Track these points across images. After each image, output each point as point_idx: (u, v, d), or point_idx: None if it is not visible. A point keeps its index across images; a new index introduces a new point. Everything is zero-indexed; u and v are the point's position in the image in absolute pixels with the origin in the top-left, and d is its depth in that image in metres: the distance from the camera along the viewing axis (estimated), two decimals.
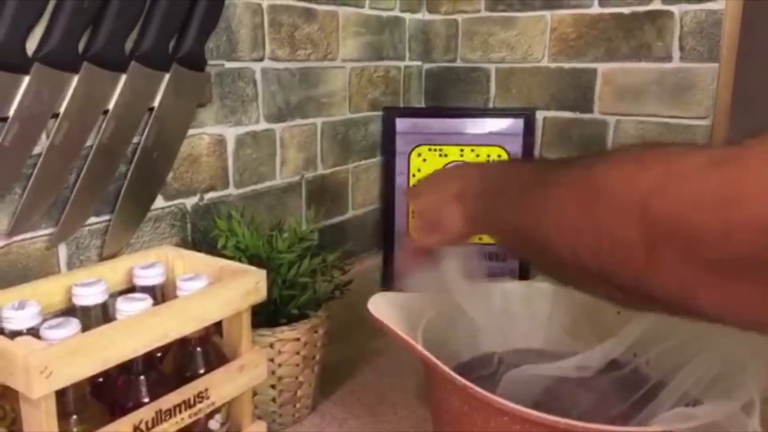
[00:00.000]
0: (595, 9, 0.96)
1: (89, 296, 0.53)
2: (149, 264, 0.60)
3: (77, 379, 0.46)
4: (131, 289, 0.60)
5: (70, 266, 0.63)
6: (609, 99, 0.97)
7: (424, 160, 1.05)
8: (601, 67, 0.97)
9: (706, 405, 0.45)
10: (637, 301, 0.37)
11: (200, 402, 0.55)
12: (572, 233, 0.38)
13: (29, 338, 0.46)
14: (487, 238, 0.58)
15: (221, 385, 0.57)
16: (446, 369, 0.49)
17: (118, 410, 0.51)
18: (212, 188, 0.77)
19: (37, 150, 0.58)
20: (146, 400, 0.52)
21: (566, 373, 0.53)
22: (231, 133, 0.79)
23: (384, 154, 1.06)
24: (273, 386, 0.69)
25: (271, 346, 0.67)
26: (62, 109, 0.58)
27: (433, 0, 1.10)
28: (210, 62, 0.72)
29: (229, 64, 0.77)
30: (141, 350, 0.50)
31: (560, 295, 0.64)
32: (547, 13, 1.00)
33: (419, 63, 1.12)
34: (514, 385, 0.51)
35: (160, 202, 0.71)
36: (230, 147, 0.79)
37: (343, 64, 0.95)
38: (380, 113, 1.04)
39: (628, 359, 0.54)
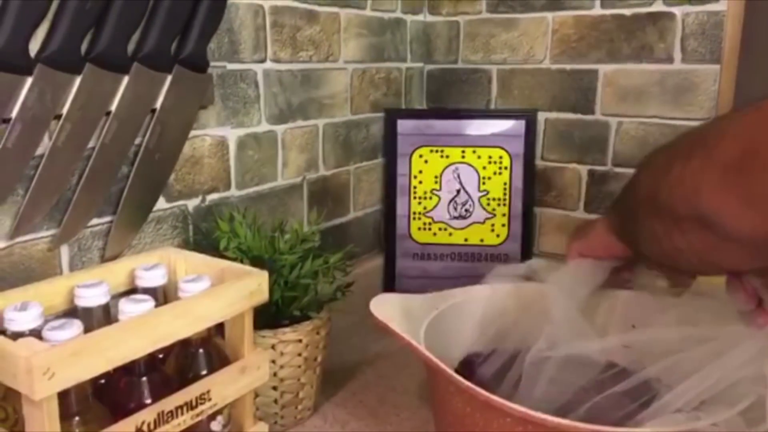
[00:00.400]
0: (597, 10, 0.96)
1: (91, 298, 0.53)
2: (151, 265, 0.60)
3: (80, 380, 0.46)
4: (133, 290, 0.60)
5: (72, 268, 0.63)
6: (610, 100, 0.97)
7: (426, 161, 1.05)
8: (603, 69, 0.97)
9: (707, 408, 0.45)
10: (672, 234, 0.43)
11: (202, 403, 0.55)
12: (659, 172, 0.45)
13: (32, 339, 0.46)
14: None
15: (223, 387, 0.57)
16: (448, 370, 0.49)
17: (120, 412, 0.51)
18: (214, 190, 0.77)
19: (39, 151, 0.58)
20: (148, 401, 0.52)
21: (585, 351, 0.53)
22: (233, 135, 0.79)
23: (385, 156, 1.06)
24: (275, 388, 0.68)
25: (273, 347, 0.67)
26: (65, 111, 0.59)
27: (434, 1, 1.10)
28: (212, 64, 0.72)
29: (231, 66, 0.77)
30: (143, 351, 0.50)
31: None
32: (548, 15, 1.00)
33: (421, 64, 1.12)
34: (534, 384, 0.51)
35: (162, 203, 0.71)
36: (232, 148, 0.79)
37: (344, 65, 0.95)
38: (382, 115, 1.04)
39: (636, 368, 0.54)
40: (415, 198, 1.05)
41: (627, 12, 0.94)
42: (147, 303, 0.53)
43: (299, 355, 0.69)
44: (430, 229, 1.05)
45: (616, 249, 0.53)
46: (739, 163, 0.37)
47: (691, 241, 0.42)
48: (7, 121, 0.55)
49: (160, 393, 0.53)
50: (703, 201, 0.39)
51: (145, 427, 0.50)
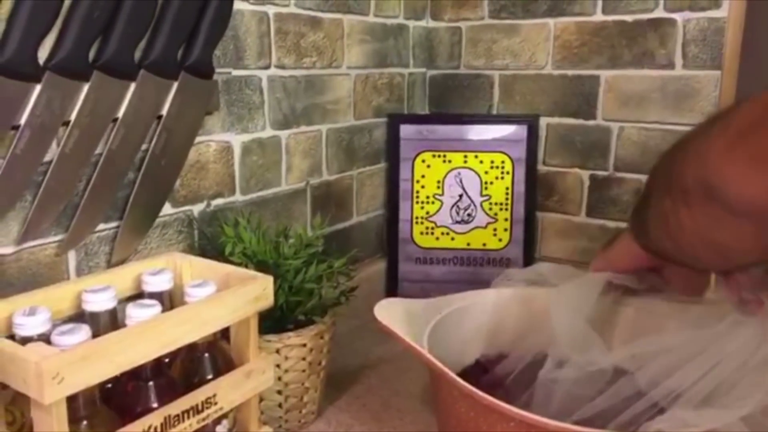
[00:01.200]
0: (599, 16, 0.97)
1: (99, 302, 0.54)
2: (158, 270, 0.60)
3: (89, 384, 0.46)
4: (139, 295, 0.60)
5: (79, 273, 0.64)
6: (612, 106, 0.98)
7: (428, 166, 1.05)
8: (605, 75, 0.98)
9: (708, 411, 0.45)
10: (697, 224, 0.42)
11: (208, 408, 0.55)
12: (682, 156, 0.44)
13: (41, 344, 0.46)
14: None
15: (229, 391, 0.57)
16: (452, 375, 0.49)
17: (127, 415, 0.51)
18: (219, 195, 0.78)
19: (47, 157, 0.59)
20: (155, 405, 0.53)
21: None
22: (237, 140, 0.79)
23: (388, 161, 1.07)
24: (279, 392, 0.69)
25: (278, 351, 0.67)
26: (73, 117, 0.59)
27: (437, 5, 1.11)
28: (217, 70, 0.73)
29: (235, 72, 0.77)
30: (151, 356, 0.50)
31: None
32: (550, 21, 1.01)
33: (423, 70, 1.13)
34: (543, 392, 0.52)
35: (167, 208, 0.72)
36: (237, 154, 0.79)
37: (348, 71, 0.95)
38: (385, 120, 1.05)
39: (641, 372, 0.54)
40: (417, 202, 1.06)
41: (628, 18, 0.94)
42: (154, 308, 0.53)
43: (303, 359, 0.69)
44: (432, 233, 1.06)
45: (640, 258, 0.53)
46: (747, 128, 0.37)
47: (696, 216, 0.42)
48: (16, 127, 0.56)
49: (166, 397, 0.53)
50: (709, 165, 0.39)
51: (151, 431, 0.50)
